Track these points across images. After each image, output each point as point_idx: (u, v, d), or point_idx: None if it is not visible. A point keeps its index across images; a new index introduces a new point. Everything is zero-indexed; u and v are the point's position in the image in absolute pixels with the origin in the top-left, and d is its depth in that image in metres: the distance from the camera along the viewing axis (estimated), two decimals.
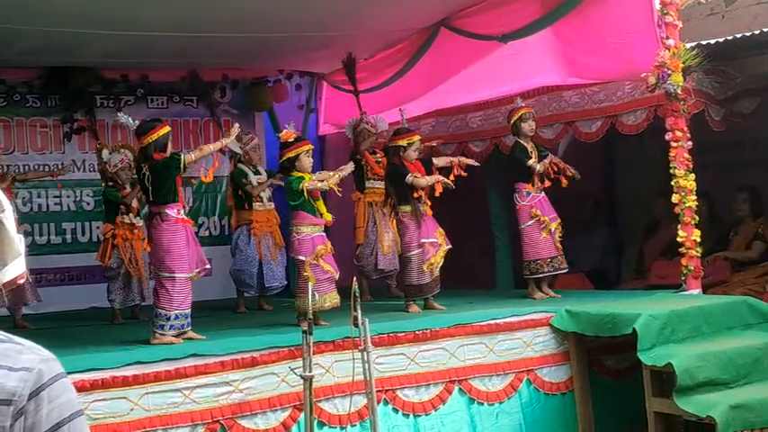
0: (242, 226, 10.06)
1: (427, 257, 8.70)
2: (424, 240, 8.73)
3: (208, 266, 7.67)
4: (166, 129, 7.70)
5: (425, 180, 8.72)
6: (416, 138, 8.98)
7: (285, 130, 8.31)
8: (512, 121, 9.42)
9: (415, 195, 8.69)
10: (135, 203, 9.53)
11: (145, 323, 8.19)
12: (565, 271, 9.45)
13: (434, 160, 9.25)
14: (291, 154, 8.02)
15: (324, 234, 8.02)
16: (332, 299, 7.80)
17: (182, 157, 7.49)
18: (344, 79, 11.67)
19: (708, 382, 7.05)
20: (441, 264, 8.77)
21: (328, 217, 8.01)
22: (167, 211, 7.42)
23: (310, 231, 7.91)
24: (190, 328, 7.38)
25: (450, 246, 8.84)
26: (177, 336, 7.28)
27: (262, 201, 10.01)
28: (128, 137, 11.22)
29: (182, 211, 7.50)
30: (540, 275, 9.31)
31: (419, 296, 8.79)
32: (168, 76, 11.75)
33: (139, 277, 9.44)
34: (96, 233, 11.24)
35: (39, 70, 11.02)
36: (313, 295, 6.77)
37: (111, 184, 9.61)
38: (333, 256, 8.02)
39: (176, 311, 7.30)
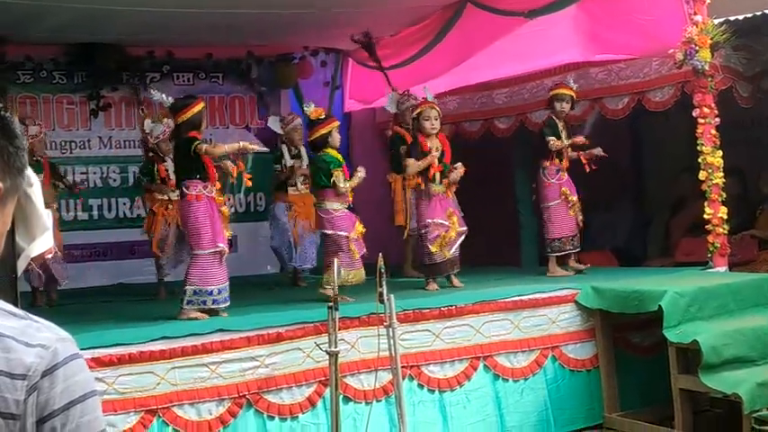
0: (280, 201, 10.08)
1: (432, 237, 8.68)
2: (429, 220, 8.72)
3: (220, 247, 7.44)
4: (200, 105, 7.73)
5: (416, 166, 8.70)
6: (426, 106, 8.93)
7: (314, 108, 8.34)
8: (549, 95, 9.41)
9: (430, 174, 8.70)
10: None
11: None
12: (578, 250, 9.43)
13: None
14: (325, 131, 8.06)
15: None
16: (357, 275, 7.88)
17: (193, 145, 7.45)
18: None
19: (734, 360, 7.03)
20: (452, 245, 8.71)
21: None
22: (186, 188, 7.48)
23: (343, 208, 7.99)
24: (216, 306, 7.37)
25: (465, 228, 8.79)
26: (200, 312, 7.30)
27: (296, 185, 9.95)
28: (154, 111, 11.32)
29: (205, 189, 7.45)
30: (563, 253, 9.32)
31: (431, 275, 8.78)
32: (194, 52, 11.76)
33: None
34: (123, 209, 11.34)
35: (65, 47, 11.06)
36: (339, 271, 6.79)
37: (151, 154, 9.54)
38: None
39: (195, 287, 7.32)
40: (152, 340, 6.46)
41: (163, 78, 11.67)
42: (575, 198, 9.23)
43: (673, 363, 7.31)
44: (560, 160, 9.26)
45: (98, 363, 6.11)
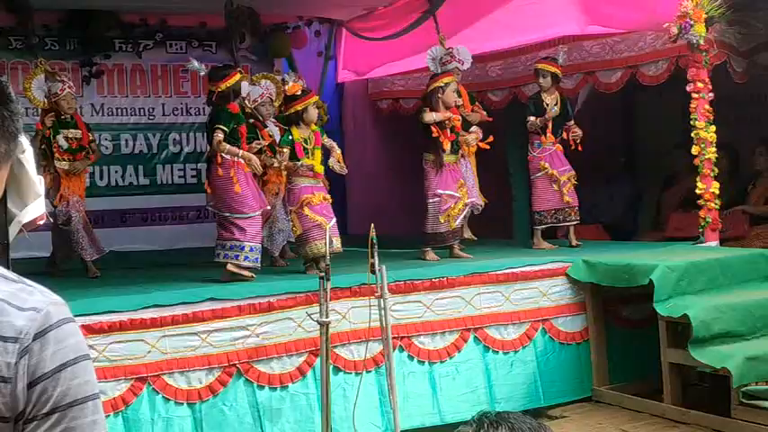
0: None
1: (444, 208, 8.69)
2: (440, 191, 8.72)
3: (268, 207, 7.95)
4: (238, 77, 7.97)
5: (432, 116, 8.67)
6: (451, 78, 8.92)
7: (292, 83, 8.33)
8: (534, 69, 9.41)
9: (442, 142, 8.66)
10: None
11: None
12: (574, 223, 9.40)
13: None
14: (300, 107, 8.04)
15: (315, 185, 8.00)
16: (320, 247, 7.71)
17: (218, 131, 7.64)
18: (363, 26, 11.60)
19: (723, 334, 7.06)
20: (459, 216, 8.77)
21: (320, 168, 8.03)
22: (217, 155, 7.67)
23: (300, 182, 7.95)
24: (249, 263, 7.55)
25: (474, 199, 8.82)
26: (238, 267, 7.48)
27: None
28: (136, 82, 11.31)
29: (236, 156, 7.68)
30: (543, 227, 9.36)
31: (433, 245, 8.79)
32: (187, 20, 11.69)
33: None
34: (115, 177, 11.30)
35: (58, 14, 10.99)
36: (331, 241, 6.81)
37: (251, 120, 8.93)
38: (329, 206, 8.01)
39: (233, 242, 7.51)
40: (143, 308, 6.47)
41: (156, 46, 11.61)
42: (556, 172, 9.22)
43: (662, 336, 7.34)
44: (544, 135, 9.25)
45: (89, 330, 6.11)
